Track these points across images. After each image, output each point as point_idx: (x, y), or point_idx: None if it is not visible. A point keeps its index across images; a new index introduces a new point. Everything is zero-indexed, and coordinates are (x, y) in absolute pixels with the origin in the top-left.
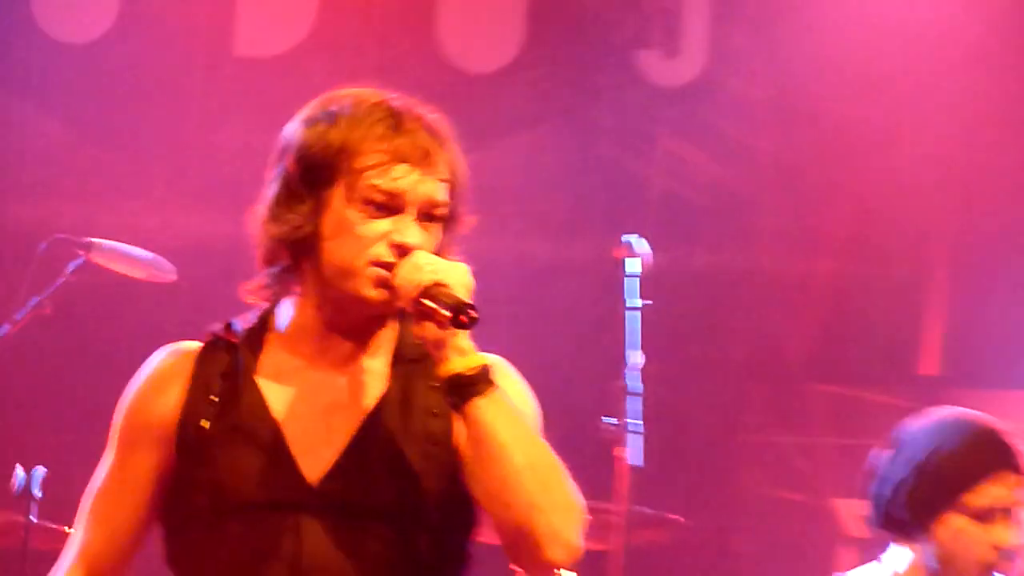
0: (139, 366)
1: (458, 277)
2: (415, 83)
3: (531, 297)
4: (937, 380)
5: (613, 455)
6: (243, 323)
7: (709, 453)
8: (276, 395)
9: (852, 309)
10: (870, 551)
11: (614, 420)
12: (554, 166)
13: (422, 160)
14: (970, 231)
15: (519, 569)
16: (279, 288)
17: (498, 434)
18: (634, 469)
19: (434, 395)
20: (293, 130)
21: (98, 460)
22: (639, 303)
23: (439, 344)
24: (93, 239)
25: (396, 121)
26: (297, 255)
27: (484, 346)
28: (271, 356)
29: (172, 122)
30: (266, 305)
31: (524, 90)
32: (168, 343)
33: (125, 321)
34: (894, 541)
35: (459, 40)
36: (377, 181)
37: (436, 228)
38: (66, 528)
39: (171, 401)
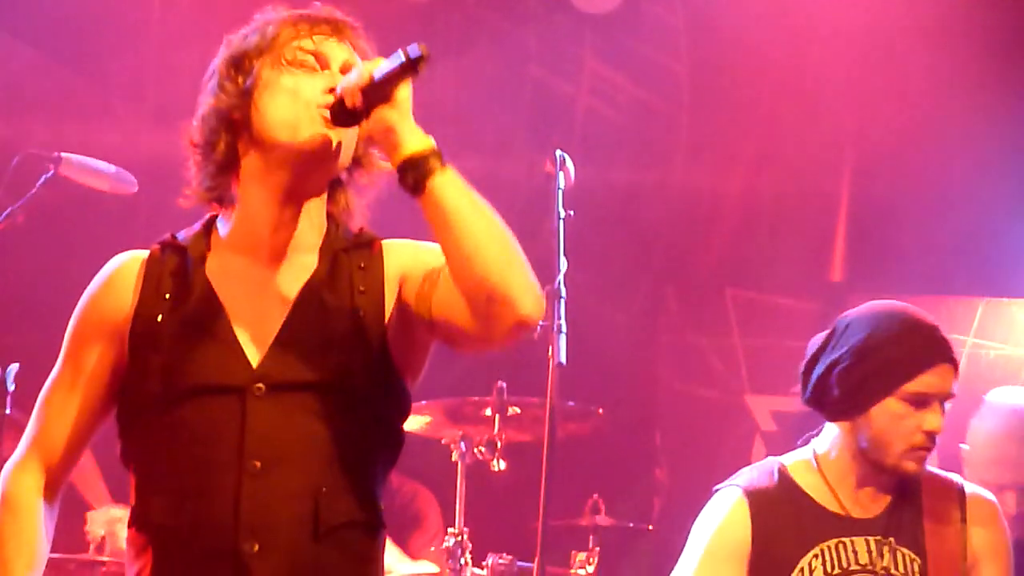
0: (102, 267)
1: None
2: (354, 9)
3: None
4: (844, 285)
5: (545, 356)
6: (188, 232)
7: (629, 353)
8: (223, 288)
9: (764, 220)
10: (780, 443)
11: (542, 322)
12: (486, 88)
13: (336, 30)
14: (872, 148)
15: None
16: (219, 188)
17: (462, 207)
18: (560, 366)
19: (360, 274)
20: (224, 46)
21: None
22: (564, 213)
23: (391, 132)
24: (61, 153)
25: (309, 12)
26: (234, 139)
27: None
28: (216, 256)
29: (133, 45)
30: (208, 214)
31: (456, 16)
32: (119, 248)
33: (90, 230)
34: (827, 419)
35: None
36: (302, 43)
37: None
38: None
39: (124, 300)
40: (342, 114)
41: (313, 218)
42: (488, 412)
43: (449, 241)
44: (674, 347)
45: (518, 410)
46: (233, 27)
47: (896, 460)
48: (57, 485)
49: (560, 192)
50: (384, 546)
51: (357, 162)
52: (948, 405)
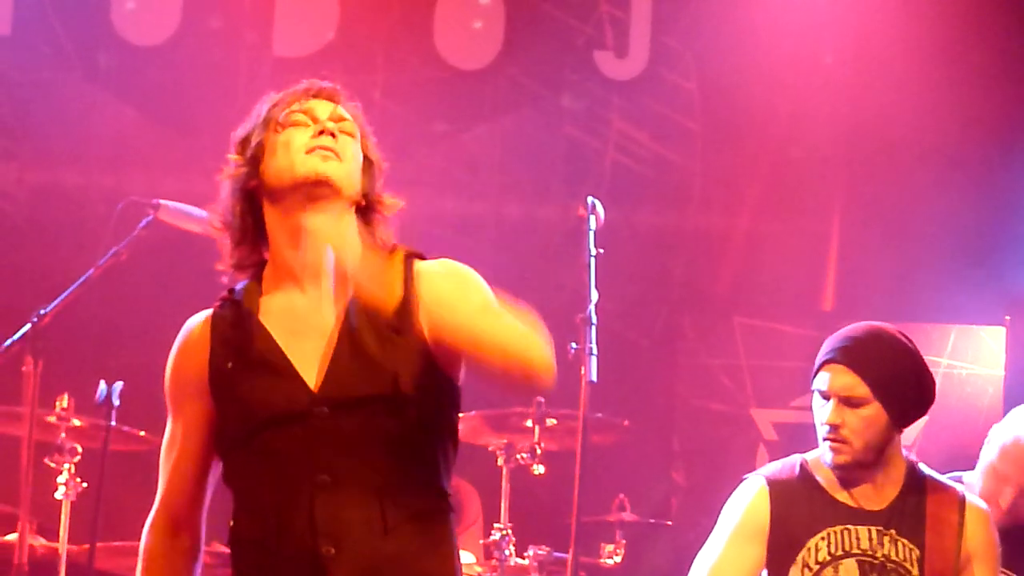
0: (195, 299)
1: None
2: (417, 77)
3: (510, 247)
4: (834, 314)
5: (578, 374)
6: (242, 285)
7: (650, 372)
8: (276, 328)
9: (765, 257)
10: (779, 450)
11: (575, 345)
12: (527, 143)
13: (327, 95)
14: (858, 193)
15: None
16: (253, 256)
17: (464, 340)
18: (591, 383)
19: (398, 285)
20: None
21: (161, 377)
22: (595, 252)
23: None
24: (160, 200)
25: (304, 86)
26: (254, 205)
27: None
28: (267, 301)
29: (221, 107)
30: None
31: (503, 83)
32: (215, 283)
33: (183, 266)
34: None
35: (452, 43)
36: (293, 107)
37: (349, 140)
38: (140, 432)
39: (200, 358)
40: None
41: (345, 248)
42: (529, 423)
43: (466, 358)
44: (689, 367)
45: (555, 421)
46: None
47: (824, 452)
48: (191, 524)
49: (591, 233)
50: (454, 528)
51: (373, 199)
52: (865, 411)
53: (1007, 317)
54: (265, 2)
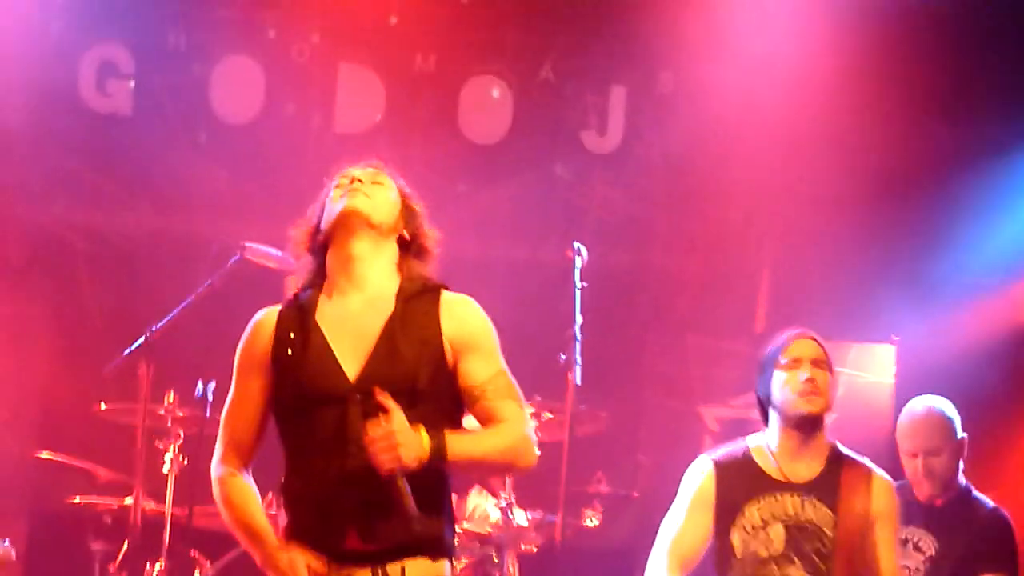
0: None
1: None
2: (444, 149)
3: (516, 281)
4: (764, 335)
5: (566, 378)
6: (306, 292)
7: (622, 377)
8: (329, 329)
9: (712, 289)
10: (721, 439)
11: (564, 356)
12: (529, 202)
13: (367, 166)
14: (783, 243)
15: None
16: (316, 272)
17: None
18: (576, 386)
19: (424, 319)
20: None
21: None
22: (581, 284)
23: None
24: (246, 243)
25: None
26: (321, 246)
27: (494, 315)
28: (321, 306)
29: (293, 171)
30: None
31: (511, 155)
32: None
33: (263, 293)
34: (765, 421)
35: (471, 123)
36: (341, 177)
37: (382, 189)
38: None
39: (265, 342)
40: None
41: (385, 272)
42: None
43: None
44: (652, 374)
45: (550, 415)
46: (353, 158)
47: (794, 406)
48: (246, 467)
49: (577, 270)
50: (448, 489)
51: (413, 234)
52: (829, 376)
53: (895, 336)
54: (328, 91)
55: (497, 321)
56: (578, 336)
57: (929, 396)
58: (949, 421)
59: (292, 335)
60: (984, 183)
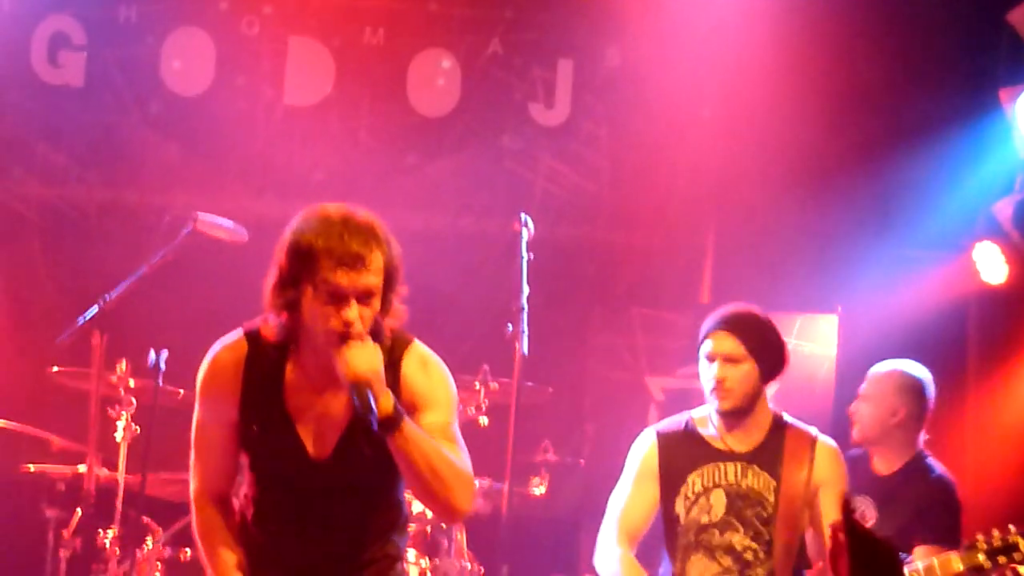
0: (220, 287)
1: (368, 373)
2: (392, 123)
3: (463, 253)
4: (709, 305)
5: (513, 348)
6: (268, 333)
7: (568, 348)
8: (297, 400)
9: (656, 261)
10: (665, 409)
11: (511, 326)
12: (477, 174)
13: (356, 263)
14: (726, 215)
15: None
16: (288, 309)
17: (410, 453)
18: (523, 357)
19: (389, 386)
20: (289, 232)
21: (196, 348)
22: (527, 256)
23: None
24: (197, 213)
25: (342, 234)
26: (293, 308)
27: (442, 286)
28: (292, 368)
29: (244, 143)
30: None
31: (458, 127)
32: (234, 278)
33: (215, 263)
34: None
35: (420, 96)
36: (328, 279)
37: (373, 301)
38: (180, 390)
39: (231, 393)
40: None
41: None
42: (477, 385)
43: (404, 471)
44: (598, 345)
45: (496, 385)
46: (313, 136)
47: (709, 400)
48: (228, 496)
49: (524, 243)
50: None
51: (386, 309)
52: (743, 367)
53: (839, 307)
54: (278, 64)
55: (445, 292)
56: (524, 307)
57: (909, 362)
58: (895, 381)
59: (260, 407)
60: (926, 157)
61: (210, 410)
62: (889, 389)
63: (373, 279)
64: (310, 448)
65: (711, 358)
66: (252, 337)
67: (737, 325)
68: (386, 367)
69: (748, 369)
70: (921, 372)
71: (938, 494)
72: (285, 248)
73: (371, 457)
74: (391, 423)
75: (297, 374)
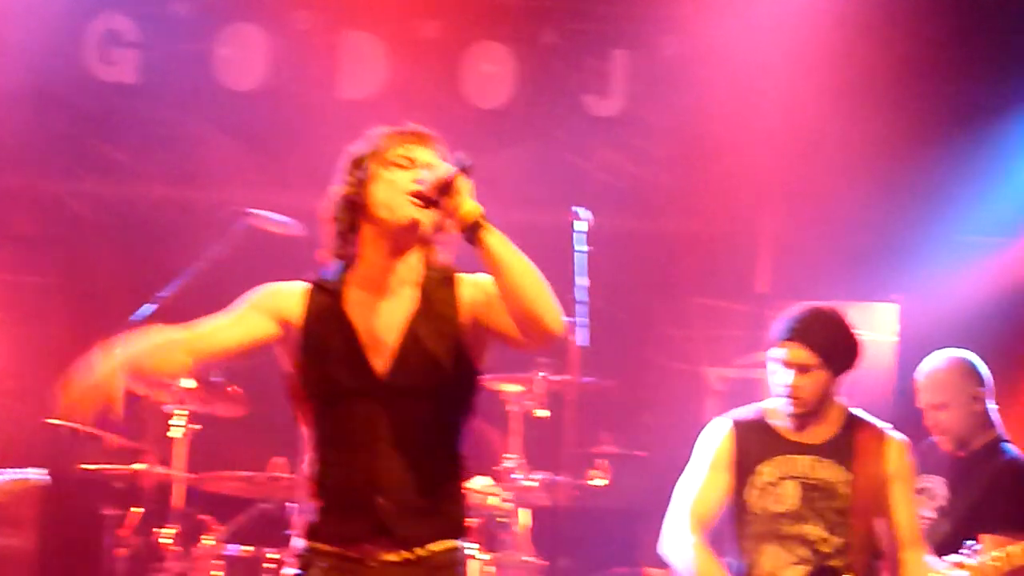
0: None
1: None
2: (446, 116)
3: (520, 245)
4: (767, 295)
5: (571, 341)
6: (329, 274)
7: (627, 340)
8: (357, 319)
9: (716, 251)
10: (725, 400)
11: (568, 319)
12: (534, 166)
13: (421, 139)
14: (785, 203)
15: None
16: (345, 248)
17: (503, 254)
18: (582, 349)
19: (444, 307)
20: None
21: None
22: (584, 248)
23: (457, 208)
24: (252, 209)
25: (404, 129)
26: (355, 215)
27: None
28: (350, 293)
29: (298, 137)
30: (338, 262)
31: (516, 121)
32: (292, 274)
33: (270, 259)
34: None
35: (473, 88)
36: (398, 149)
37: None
38: (233, 387)
39: (295, 311)
40: (424, 200)
41: (414, 265)
42: (539, 376)
43: (497, 275)
44: (657, 335)
45: (555, 377)
46: (366, 129)
47: (782, 405)
48: (194, 364)
49: (579, 234)
50: (463, 479)
51: (439, 228)
52: (814, 375)
53: (899, 295)
54: (331, 58)
55: None
56: (584, 299)
57: (944, 351)
58: (956, 375)
59: (322, 323)
60: (983, 143)
61: (256, 312)
62: (958, 382)
63: (432, 155)
64: (372, 354)
65: (784, 364)
66: (313, 282)
67: (809, 334)
68: (442, 302)
69: (821, 376)
70: (961, 352)
71: (1007, 477)
72: (348, 157)
73: (432, 354)
74: (484, 220)
75: (354, 290)
